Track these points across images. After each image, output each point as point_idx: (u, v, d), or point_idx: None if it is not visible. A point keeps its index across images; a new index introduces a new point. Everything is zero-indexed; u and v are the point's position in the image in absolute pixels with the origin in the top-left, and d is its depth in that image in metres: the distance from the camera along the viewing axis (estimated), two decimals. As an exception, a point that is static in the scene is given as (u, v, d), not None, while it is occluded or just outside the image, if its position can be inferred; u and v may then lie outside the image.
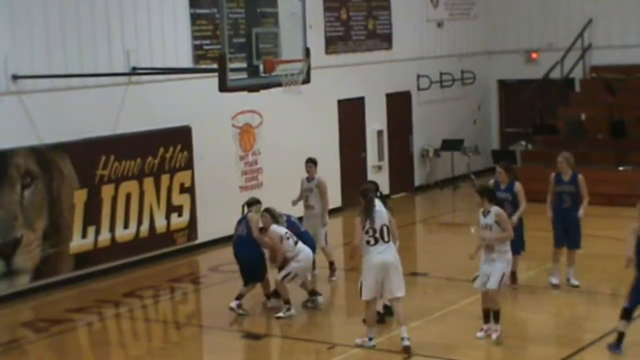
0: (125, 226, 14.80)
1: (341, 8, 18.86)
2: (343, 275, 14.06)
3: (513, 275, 12.26)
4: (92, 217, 14.24)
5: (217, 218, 15.95)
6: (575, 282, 12.70)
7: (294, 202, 13.92)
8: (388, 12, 19.99)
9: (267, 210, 12.01)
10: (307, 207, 13.77)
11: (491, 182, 12.69)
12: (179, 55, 15.61)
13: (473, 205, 19.50)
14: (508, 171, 12.62)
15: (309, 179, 13.79)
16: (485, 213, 10.85)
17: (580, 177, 12.70)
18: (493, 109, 23.27)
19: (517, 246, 12.07)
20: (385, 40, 19.99)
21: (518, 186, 12.48)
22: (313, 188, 13.73)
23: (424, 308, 12.13)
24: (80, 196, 14.08)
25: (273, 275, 12.14)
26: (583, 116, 19.83)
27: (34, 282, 13.60)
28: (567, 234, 12.70)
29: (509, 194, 12.38)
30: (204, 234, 16.01)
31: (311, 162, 13.81)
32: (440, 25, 21.54)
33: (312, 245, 12.27)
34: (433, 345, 10.66)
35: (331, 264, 13.65)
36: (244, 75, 12.00)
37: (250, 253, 11.96)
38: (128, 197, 14.81)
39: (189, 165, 15.70)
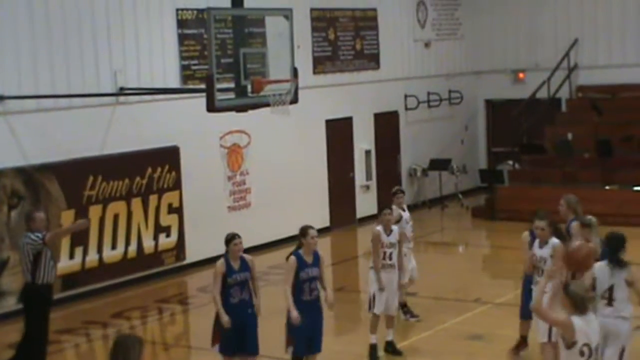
0: (113, 247, 14.74)
1: (329, 28, 18.93)
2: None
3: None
4: (79, 238, 14.18)
5: (205, 238, 15.91)
6: None
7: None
8: (375, 32, 20.07)
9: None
10: (413, 238, 12.66)
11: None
12: (166, 75, 15.62)
13: (461, 225, 19.74)
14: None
15: (402, 208, 12.51)
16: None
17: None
18: (480, 129, 23.34)
19: None
20: (372, 60, 20.06)
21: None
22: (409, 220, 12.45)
23: (412, 327, 12.12)
24: (67, 217, 14.02)
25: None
26: (570, 136, 19.92)
27: (21, 305, 13.50)
28: None
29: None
30: (192, 255, 15.96)
31: (402, 192, 12.78)
32: (427, 45, 21.63)
33: None
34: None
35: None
36: (231, 95, 12.00)
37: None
38: (116, 217, 14.76)
39: (177, 185, 15.68)
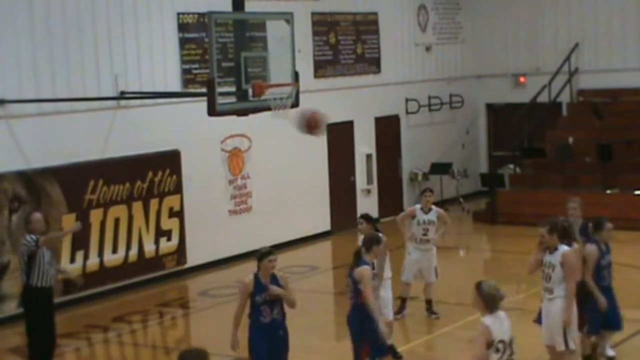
0: (114, 251, 14.74)
1: (330, 32, 18.94)
2: (333, 299, 14.02)
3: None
4: (80, 241, 14.18)
5: (206, 242, 15.93)
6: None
7: (410, 238, 12.40)
8: (376, 36, 20.08)
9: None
10: (427, 241, 12.39)
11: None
12: (167, 79, 15.63)
13: (462, 229, 19.72)
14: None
15: (425, 210, 12.41)
16: None
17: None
18: (481, 133, 23.34)
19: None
20: (373, 64, 20.07)
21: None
22: (434, 220, 12.37)
23: (412, 331, 12.11)
24: (68, 221, 14.02)
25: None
26: (570, 140, 19.93)
27: (22, 308, 13.50)
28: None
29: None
30: (193, 258, 15.96)
31: (430, 192, 12.52)
32: (428, 49, 21.64)
33: None
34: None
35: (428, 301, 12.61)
36: (232, 99, 12.01)
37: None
38: (117, 221, 14.76)
39: (178, 189, 15.67)
